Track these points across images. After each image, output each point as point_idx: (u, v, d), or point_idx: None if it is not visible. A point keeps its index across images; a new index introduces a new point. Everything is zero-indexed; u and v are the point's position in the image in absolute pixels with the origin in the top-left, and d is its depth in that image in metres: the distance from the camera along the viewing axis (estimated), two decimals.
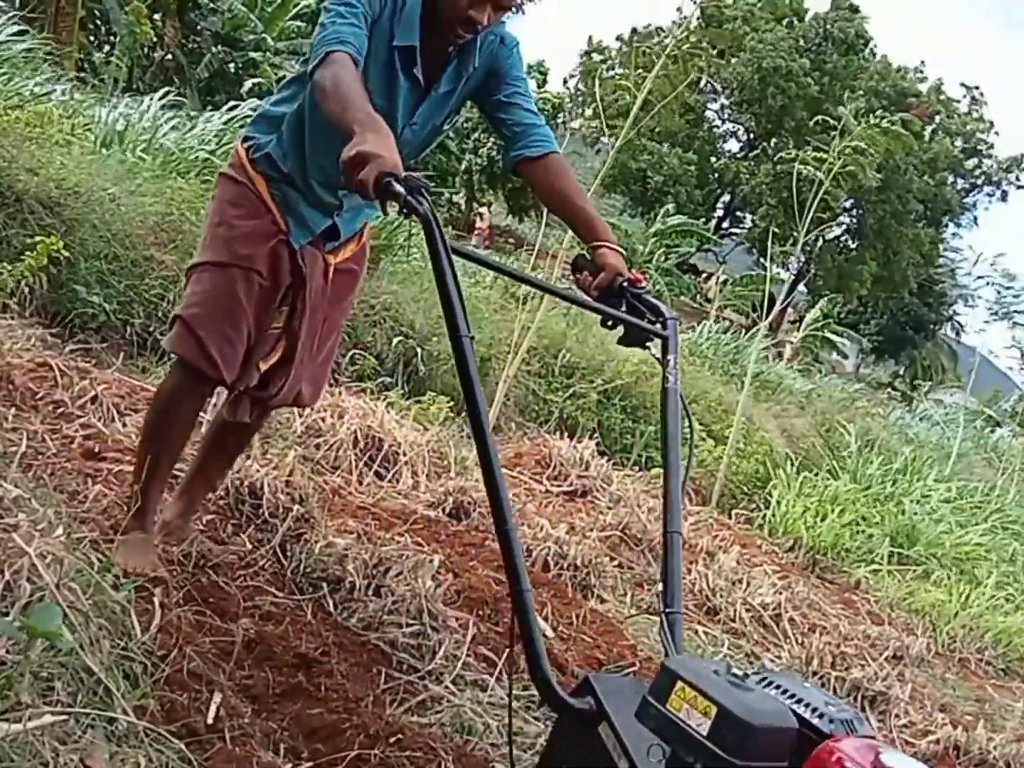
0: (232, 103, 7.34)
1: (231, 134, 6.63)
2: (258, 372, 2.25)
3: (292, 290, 2.23)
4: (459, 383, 1.56)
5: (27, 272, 3.34)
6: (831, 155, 5.29)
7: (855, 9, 30.17)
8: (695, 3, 4.82)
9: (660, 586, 1.65)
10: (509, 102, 2.18)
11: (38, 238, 3.37)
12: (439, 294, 1.61)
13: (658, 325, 1.94)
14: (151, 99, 6.90)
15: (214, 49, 17.69)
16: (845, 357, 28.86)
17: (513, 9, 2.10)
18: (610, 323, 1.98)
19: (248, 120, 3.60)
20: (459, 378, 1.58)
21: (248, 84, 10.41)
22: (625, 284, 1.97)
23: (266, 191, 2.20)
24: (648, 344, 1.96)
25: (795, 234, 5.51)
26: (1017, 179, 32.39)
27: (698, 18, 4.34)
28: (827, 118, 5.76)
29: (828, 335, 16.58)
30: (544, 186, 2.16)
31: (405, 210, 1.61)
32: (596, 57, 32.42)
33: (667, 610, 1.61)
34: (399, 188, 1.59)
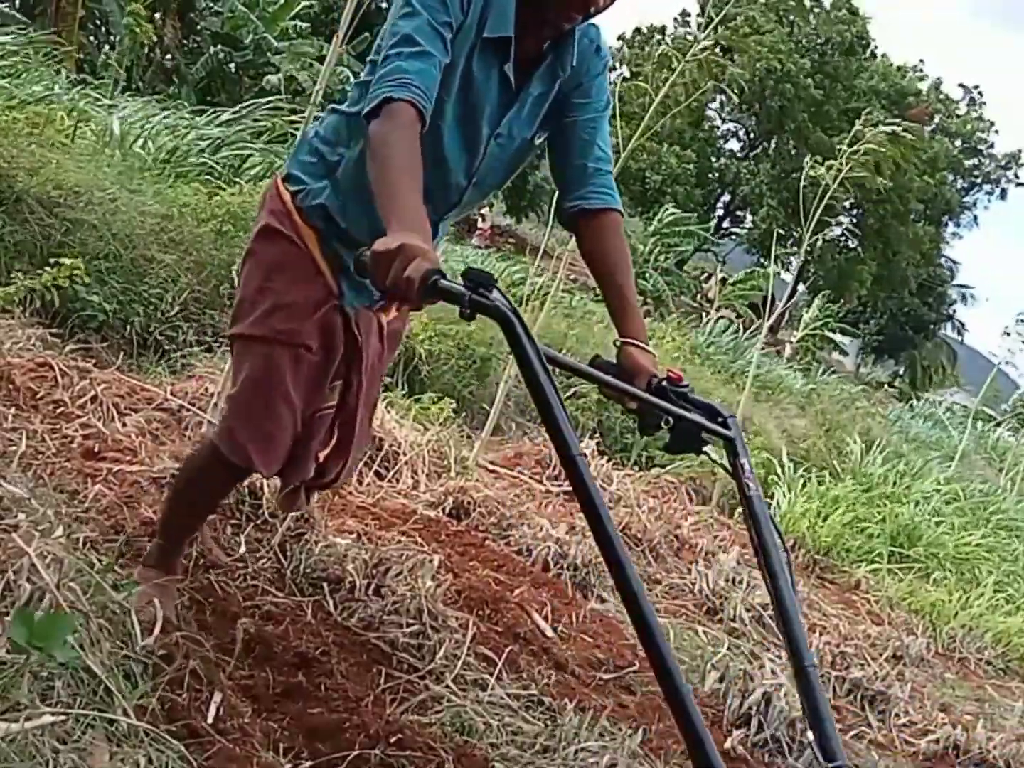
0: (235, 107, 7.33)
1: (234, 138, 6.64)
2: (316, 463, 1.98)
3: (346, 361, 1.93)
4: (581, 509, 1.34)
5: (42, 287, 3.34)
6: (839, 161, 5.30)
7: (854, 11, 30.18)
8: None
9: (810, 735, 1.33)
10: (584, 131, 1.85)
11: (71, 261, 3.35)
12: (538, 408, 1.35)
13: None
14: (150, 98, 6.91)
15: (212, 49, 17.68)
16: (845, 354, 28.86)
17: None
18: (661, 423, 1.66)
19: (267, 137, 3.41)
20: (580, 503, 1.34)
21: (270, 80, 10.18)
22: (664, 383, 1.69)
23: (317, 249, 1.87)
24: (705, 448, 1.67)
25: (795, 234, 5.51)
26: (1016, 176, 32.40)
27: (716, 22, 4.31)
28: (825, 123, 5.79)
29: (828, 335, 16.57)
30: (590, 245, 1.87)
31: (471, 311, 1.34)
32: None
33: (831, 766, 1.28)
34: (458, 286, 1.34)
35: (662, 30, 30.23)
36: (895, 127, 5.38)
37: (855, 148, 5.23)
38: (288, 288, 1.86)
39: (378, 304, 1.96)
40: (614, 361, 1.77)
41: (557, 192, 1.92)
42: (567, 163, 1.87)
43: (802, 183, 5.48)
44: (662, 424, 1.66)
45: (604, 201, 1.86)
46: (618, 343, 1.80)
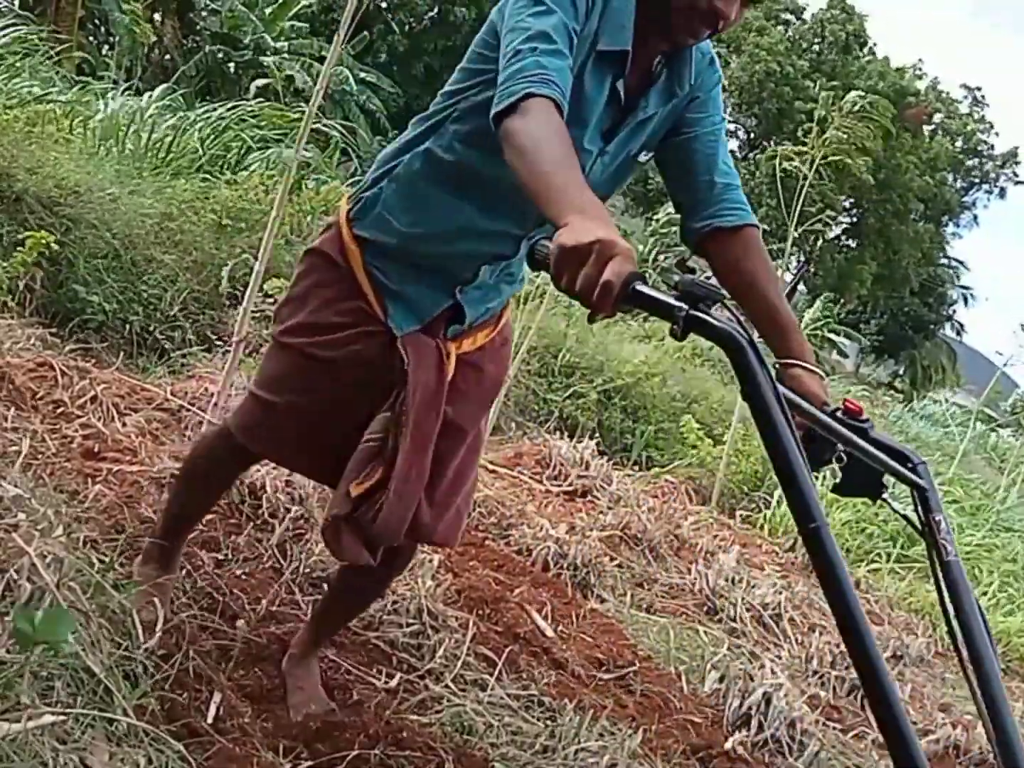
0: (228, 102, 7.32)
1: (229, 129, 6.62)
2: (349, 499, 1.76)
3: (398, 392, 1.75)
4: (821, 586, 1.11)
5: (18, 267, 3.34)
6: (812, 147, 5.28)
7: (848, 10, 30.24)
8: None
9: None
10: (706, 146, 1.72)
11: (28, 234, 3.36)
12: (772, 459, 1.12)
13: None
14: (149, 96, 6.91)
15: (207, 49, 17.69)
16: (845, 356, 28.86)
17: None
18: (833, 459, 1.44)
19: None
20: (820, 578, 1.10)
21: (258, 84, 10.23)
22: (841, 414, 1.43)
23: (360, 266, 1.75)
24: (883, 495, 1.43)
25: (795, 235, 5.51)
26: (1014, 173, 32.44)
27: None
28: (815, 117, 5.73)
29: (828, 334, 16.58)
30: (730, 266, 1.69)
31: (685, 329, 1.13)
32: None
33: None
34: (668, 297, 1.13)
35: None
36: (857, 99, 5.35)
37: (824, 135, 5.22)
38: (323, 307, 1.77)
39: (451, 328, 1.79)
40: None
41: (681, 213, 1.74)
42: (691, 181, 1.72)
43: (777, 175, 5.47)
44: (834, 460, 1.42)
45: (740, 217, 1.71)
46: (776, 365, 1.58)
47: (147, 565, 2.07)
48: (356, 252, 1.75)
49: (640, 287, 1.13)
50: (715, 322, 1.12)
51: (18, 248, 3.39)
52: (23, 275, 3.42)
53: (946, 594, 1.27)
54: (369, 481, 1.73)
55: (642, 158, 1.74)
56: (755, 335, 1.29)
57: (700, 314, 1.12)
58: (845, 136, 5.30)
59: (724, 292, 1.15)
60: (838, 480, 1.45)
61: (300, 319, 1.78)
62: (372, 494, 1.74)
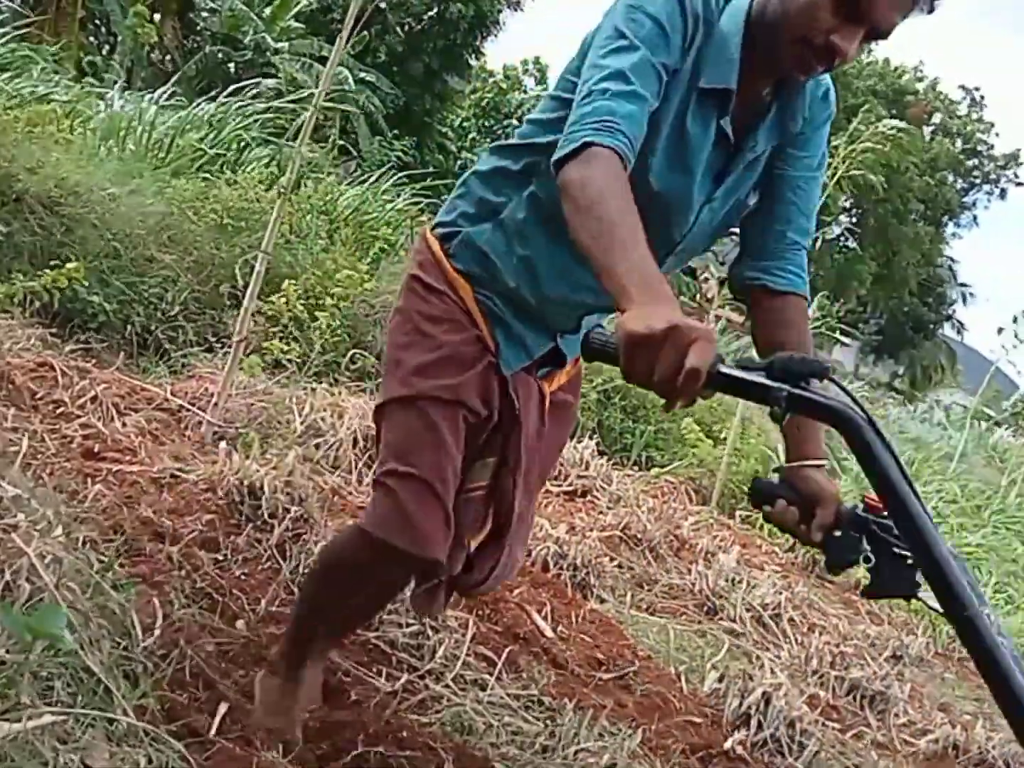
0: (228, 93, 7.32)
1: (224, 119, 6.62)
2: (466, 551, 1.66)
3: (503, 433, 1.65)
4: (980, 673, 1.03)
5: (42, 289, 3.35)
6: (836, 160, 5.29)
7: None
8: None
9: None
10: (792, 191, 1.58)
11: (69, 265, 3.37)
12: (915, 550, 1.07)
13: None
14: (149, 97, 6.91)
15: (208, 49, 17.71)
16: (846, 344, 28.87)
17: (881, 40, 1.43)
18: (858, 560, 1.32)
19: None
20: (977, 666, 1.03)
21: (268, 84, 10.10)
22: (863, 512, 1.31)
23: (471, 298, 1.63)
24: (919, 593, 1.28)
25: None
26: (1015, 175, 32.47)
27: None
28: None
29: (826, 333, 16.56)
30: (766, 328, 1.60)
31: (788, 410, 1.06)
32: None
33: None
34: (761, 377, 1.07)
35: None
36: (895, 125, 5.37)
37: (852, 147, 5.23)
38: (444, 338, 1.61)
39: (541, 370, 1.70)
40: (778, 479, 1.40)
41: (741, 245, 1.64)
42: (762, 224, 1.60)
43: None
44: (860, 561, 1.34)
45: (792, 284, 1.59)
46: (791, 466, 1.46)
47: (272, 677, 1.85)
48: (464, 284, 1.63)
49: (727, 370, 1.05)
50: (823, 399, 1.04)
51: (47, 269, 3.40)
52: (43, 292, 3.42)
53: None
54: (482, 534, 1.65)
55: (751, 201, 1.60)
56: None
57: (804, 392, 1.04)
58: (873, 156, 5.33)
59: (828, 363, 1.08)
60: (867, 583, 1.33)
61: (423, 358, 1.60)
62: (485, 547, 1.66)
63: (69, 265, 3.32)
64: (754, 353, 1.60)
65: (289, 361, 3.76)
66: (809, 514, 1.34)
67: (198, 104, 7.02)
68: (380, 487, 1.59)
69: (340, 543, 1.81)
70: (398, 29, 24.38)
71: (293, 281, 4.11)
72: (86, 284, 3.67)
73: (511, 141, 1.66)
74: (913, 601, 4.44)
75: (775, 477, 1.44)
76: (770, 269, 1.59)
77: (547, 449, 1.76)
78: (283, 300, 3.82)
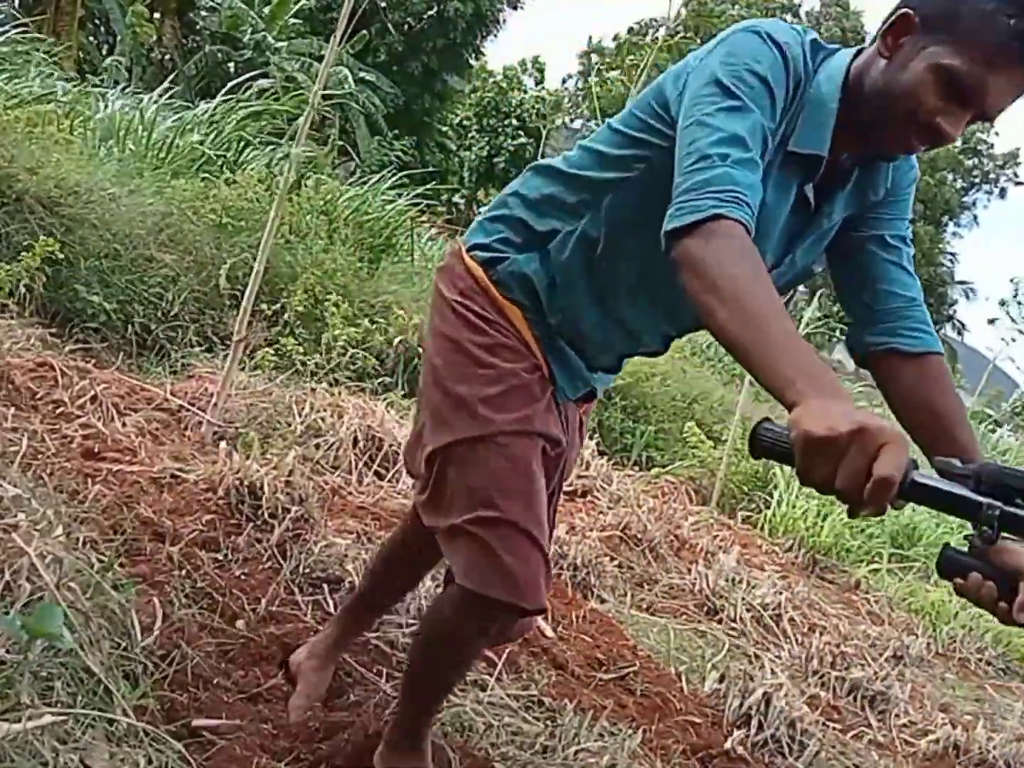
0: (227, 93, 7.31)
1: (224, 119, 6.61)
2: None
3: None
4: None
5: (24, 273, 3.36)
6: None
7: (845, 6, 30.29)
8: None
9: None
10: (888, 251, 1.50)
11: (41, 240, 3.39)
12: None
13: None
14: (149, 97, 6.91)
15: (207, 48, 17.72)
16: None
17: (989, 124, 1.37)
18: None
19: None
20: None
21: (261, 84, 10.03)
22: None
23: (524, 325, 1.54)
24: None
25: None
26: (1015, 175, 32.48)
27: (689, 8, 4.29)
28: None
29: (827, 333, 16.58)
30: (909, 394, 1.49)
31: (1001, 531, 0.96)
32: (595, 58, 32.53)
33: None
34: (969, 491, 0.96)
35: (653, 21, 30.39)
36: None
37: None
38: (506, 367, 1.50)
39: (581, 396, 1.66)
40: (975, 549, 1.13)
41: (851, 318, 1.54)
42: (867, 288, 1.49)
43: None
44: None
45: (924, 343, 1.48)
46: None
47: (395, 753, 1.76)
48: (515, 310, 1.55)
49: (923, 479, 0.95)
50: None
51: (23, 253, 3.41)
52: (25, 278, 3.43)
53: None
54: None
55: (817, 268, 1.53)
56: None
57: (1021, 512, 0.93)
58: None
59: None
60: None
61: (489, 391, 1.49)
62: None
63: (43, 241, 3.31)
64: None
65: (290, 362, 3.75)
66: (1010, 590, 1.12)
67: (198, 105, 7.02)
68: (465, 538, 1.47)
69: (441, 610, 1.64)
70: (397, 28, 24.39)
71: (292, 284, 4.11)
72: (72, 265, 3.66)
73: (560, 166, 1.54)
74: (913, 602, 4.40)
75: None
76: (895, 331, 1.48)
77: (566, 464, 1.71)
78: (292, 301, 3.81)
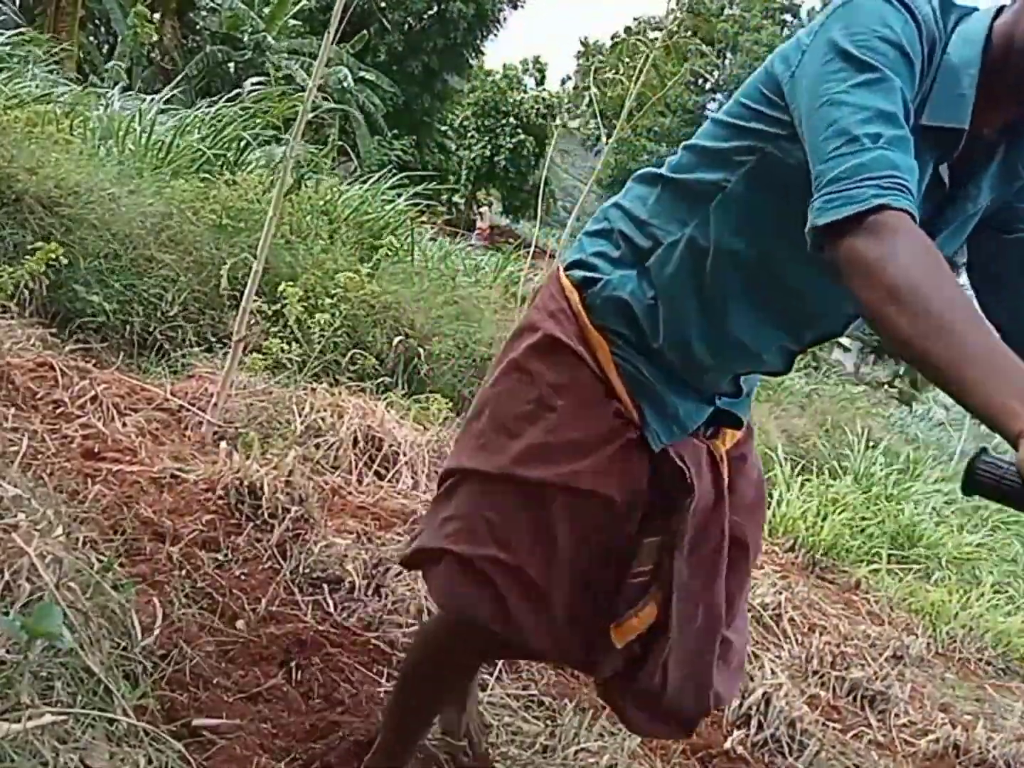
0: (229, 94, 7.32)
1: (225, 122, 6.61)
2: (618, 648, 1.39)
3: (663, 513, 1.38)
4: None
5: (26, 275, 3.36)
6: None
7: None
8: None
9: None
10: None
11: (39, 244, 3.39)
12: None
13: None
14: (150, 99, 6.91)
15: (208, 48, 17.72)
16: (847, 350, 28.85)
17: None
18: None
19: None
20: None
21: (252, 82, 10.04)
22: None
23: (609, 362, 1.38)
24: None
25: None
26: None
27: (685, 10, 4.27)
28: None
29: None
30: None
31: None
32: (592, 59, 32.62)
33: None
34: None
35: (651, 20, 30.46)
36: None
37: None
38: (570, 413, 1.36)
39: (706, 430, 1.46)
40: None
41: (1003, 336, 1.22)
42: (1016, 296, 1.29)
43: None
44: None
45: None
46: None
47: None
48: (602, 342, 1.38)
49: None
50: None
51: (26, 256, 3.41)
52: (28, 280, 3.43)
53: None
54: (639, 627, 1.37)
55: (959, 261, 1.37)
56: None
57: None
58: None
59: None
60: None
61: (538, 440, 1.36)
62: (649, 647, 1.38)
63: (45, 246, 3.31)
64: None
65: (290, 361, 3.76)
66: None
67: (198, 106, 7.02)
68: (453, 561, 1.39)
69: (426, 640, 1.63)
70: (397, 28, 24.40)
71: (292, 283, 4.11)
72: (71, 267, 3.66)
73: (662, 171, 1.40)
74: (913, 602, 4.39)
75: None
76: None
77: (744, 515, 1.45)
78: (288, 300, 3.81)
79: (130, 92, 8.06)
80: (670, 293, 1.35)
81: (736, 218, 1.29)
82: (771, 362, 1.43)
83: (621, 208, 1.44)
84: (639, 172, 1.48)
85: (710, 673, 1.37)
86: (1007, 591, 5.25)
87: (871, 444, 7.65)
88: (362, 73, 21.10)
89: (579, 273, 1.43)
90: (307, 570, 2.48)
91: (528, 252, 6.49)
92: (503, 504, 1.38)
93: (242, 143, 6.51)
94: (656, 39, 4.20)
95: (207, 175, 5.56)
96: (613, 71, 4.06)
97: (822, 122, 1.08)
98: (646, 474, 1.37)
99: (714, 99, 32.63)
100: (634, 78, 3.83)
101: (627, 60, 4.00)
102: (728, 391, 1.46)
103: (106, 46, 19.04)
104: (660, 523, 1.37)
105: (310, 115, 3.22)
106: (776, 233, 1.13)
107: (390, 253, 5.69)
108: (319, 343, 3.78)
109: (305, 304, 4.07)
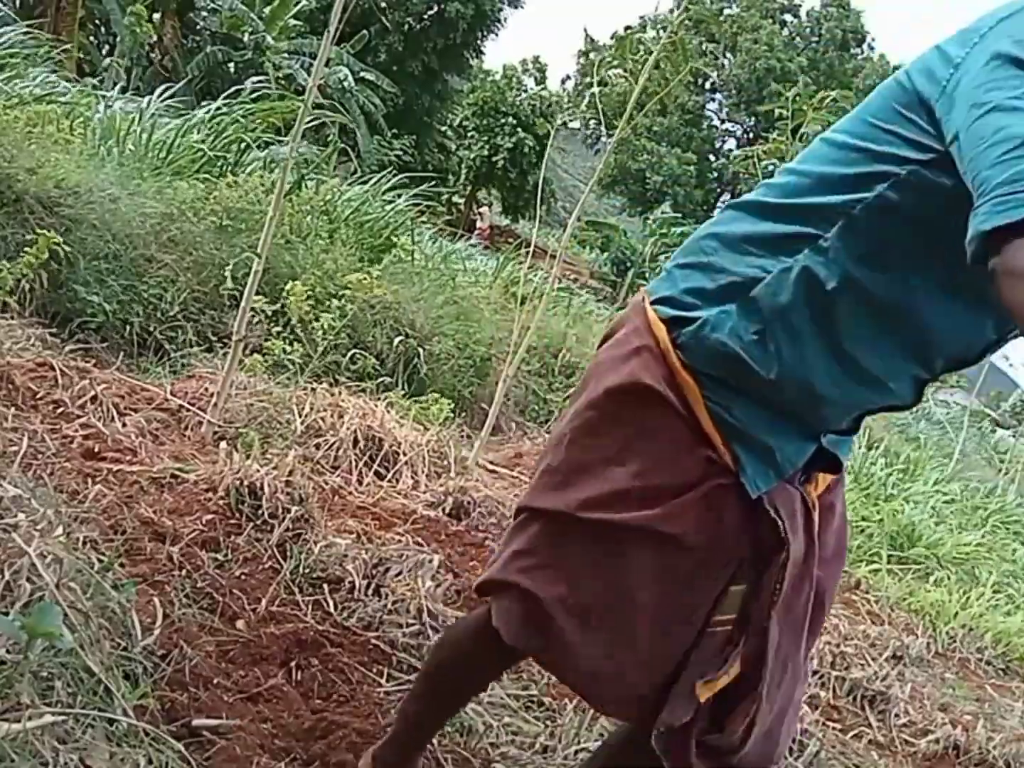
0: (226, 98, 7.31)
1: (225, 123, 6.62)
2: (697, 704, 1.32)
3: (753, 562, 1.32)
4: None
5: (27, 269, 3.35)
6: (785, 143, 5.27)
7: (845, 6, 30.35)
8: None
9: None
10: None
11: (39, 233, 3.38)
12: None
13: None
14: (150, 98, 6.91)
15: (208, 49, 17.73)
16: None
17: None
18: None
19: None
20: None
21: (252, 82, 9.98)
22: None
23: (701, 407, 1.30)
24: None
25: None
26: None
27: (684, 9, 4.24)
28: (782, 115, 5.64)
29: None
30: None
31: None
32: (593, 56, 32.59)
33: None
34: None
35: (654, 16, 30.51)
36: (834, 95, 5.33)
37: (798, 127, 5.19)
38: (653, 463, 1.30)
39: (801, 474, 1.36)
40: None
41: None
42: None
43: (759, 173, 5.44)
44: None
45: None
46: None
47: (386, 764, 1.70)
48: (692, 384, 1.30)
49: None
50: None
51: (25, 249, 3.40)
52: (27, 276, 3.43)
53: None
54: (720, 680, 1.31)
55: None
56: None
57: None
58: (820, 130, 5.29)
59: None
60: None
61: (620, 484, 1.30)
62: (733, 701, 1.32)
63: (46, 235, 3.30)
64: None
65: (291, 362, 3.76)
66: None
67: (200, 108, 7.02)
68: (518, 594, 1.35)
69: (459, 646, 1.58)
70: (397, 28, 24.40)
71: (296, 282, 4.11)
72: (73, 267, 3.66)
73: (766, 198, 1.32)
74: (913, 602, 4.39)
75: None
76: None
77: (824, 568, 1.38)
78: (291, 299, 3.80)
79: (129, 91, 8.06)
80: (783, 324, 1.26)
81: (862, 246, 1.21)
82: (900, 392, 1.33)
83: (718, 238, 1.34)
84: (734, 201, 1.39)
85: (782, 730, 1.35)
86: (1007, 591, 5.26)
87: (871, 444, 7.65)
88: (362, 73, 21.11)
89: (670, 310, 1.33)
90: (307, 570, 2.48)
91: (525, 252, 6.50)
92: (577, 545, 1.33)
93: (243, 144, 6.52)
94: (660, 36, 4.19)
95: (207, 175, 5.56)
96: (617, 67, 4.03)
97: (988, 128, 1.03)
98: (737, 522, 1.30)
99: (713, 99, 32.68)
100: (642, 72, 3.81)
101: (632, 56, 3.98)
102: (845, 428, 1.37)
103: (106, 46, 19.04)
104: (747, 571, 1.31)
105: (310, 116, 3.22)
106: (909, 262, 1.08)
107: (403, 257, 5.70)
108: (323, 344, 3.78)
109: (309, 305, 4.07)
